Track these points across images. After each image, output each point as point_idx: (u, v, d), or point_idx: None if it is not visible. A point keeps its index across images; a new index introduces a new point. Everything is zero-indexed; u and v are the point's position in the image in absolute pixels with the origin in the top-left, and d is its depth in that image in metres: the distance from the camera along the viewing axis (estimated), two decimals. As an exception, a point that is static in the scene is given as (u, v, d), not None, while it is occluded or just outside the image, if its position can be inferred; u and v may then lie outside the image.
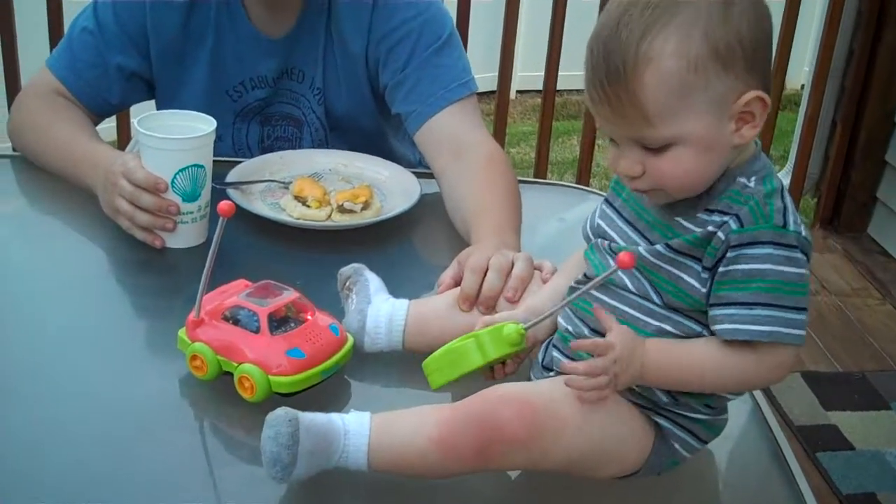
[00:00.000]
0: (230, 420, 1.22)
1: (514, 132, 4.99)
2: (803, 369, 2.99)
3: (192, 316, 1.23)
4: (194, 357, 1.23)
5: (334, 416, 1.07)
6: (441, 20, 1.77)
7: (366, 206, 1.62)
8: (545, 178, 3.47)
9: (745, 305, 1.02)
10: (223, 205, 1.16)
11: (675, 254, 1.06)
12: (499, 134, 3.39)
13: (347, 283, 1.35)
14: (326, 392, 1.22)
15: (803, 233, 1.03)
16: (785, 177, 3.90)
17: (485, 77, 3.66)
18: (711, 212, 1.05)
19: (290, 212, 1.62)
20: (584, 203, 1.86)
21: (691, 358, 1.06)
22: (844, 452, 2.65)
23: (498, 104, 3.34)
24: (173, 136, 1.51)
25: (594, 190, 1.97)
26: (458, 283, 1.32)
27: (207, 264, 1.19)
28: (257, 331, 1.20)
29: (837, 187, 3.83)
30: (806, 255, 1.03)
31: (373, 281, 1.34)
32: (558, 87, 3.32)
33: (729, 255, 1.02)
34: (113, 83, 1.78)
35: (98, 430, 1.18)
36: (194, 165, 1.50)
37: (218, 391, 1.23)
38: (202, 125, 1.55)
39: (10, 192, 1.80)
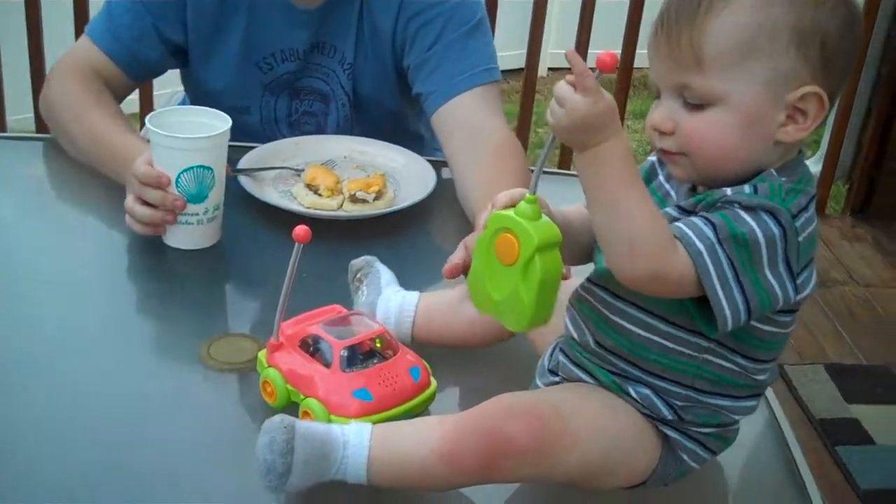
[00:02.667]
0: (234, 423, 1.20)
1: (542, 111, 4.92)
2: (827, 361, 2.95)
3: (272, 339, 1.19)
4: (266, 383, 1.19)
5: (333, 426, 1.05)
6: (472, 6, 1.76)
7: (378, 195, 1.60)
8: (571, 159, 3.43)
9: (709, 223, 0.96)
10: (299, 230, 1.10)
11: (684, 214, 1.01)
12: (526, 112, 3.37)
13: (358, 275, 1.34)
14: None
15: (800, 239, 0.97)
16: (816, 163, 3.84)
17: (515, 54, 3.62)
18: None
19: (302, 200, 1.60)
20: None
21: (634, 190, 0.96)
22: (865, 447, 2.61)
23: (525, 81, 3.32)
24: (176, 135, 1.45)
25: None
26: (466, 266, 1.30)
27: (284, 289, 1.14)
28: (329, 365, 1.15)
29: (869, 175, 3.77)
30: (790, 270, 0.97)
31: (384, 273, 1.33)
32: (590, 66, 3.27)
33: (735, 207, 0.96)
34: (151, 45, 1.76)
35: (96, 431, 1.17)
36: (200, 167, 1.45)
37: (237, 392, 1.22)
38: (218, 123, 1.49)
39: (36, 177, 1.79)
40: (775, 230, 0.96)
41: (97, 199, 1.64)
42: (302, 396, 1.15)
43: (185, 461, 1.14)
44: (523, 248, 1.01)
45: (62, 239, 1.60)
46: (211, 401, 1.24)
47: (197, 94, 1.88)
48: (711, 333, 1.00)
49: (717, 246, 0.95)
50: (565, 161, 3.36)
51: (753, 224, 0.96)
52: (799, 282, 0.99)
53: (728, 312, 0.97)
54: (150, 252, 1.52)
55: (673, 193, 1.08)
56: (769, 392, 1.29)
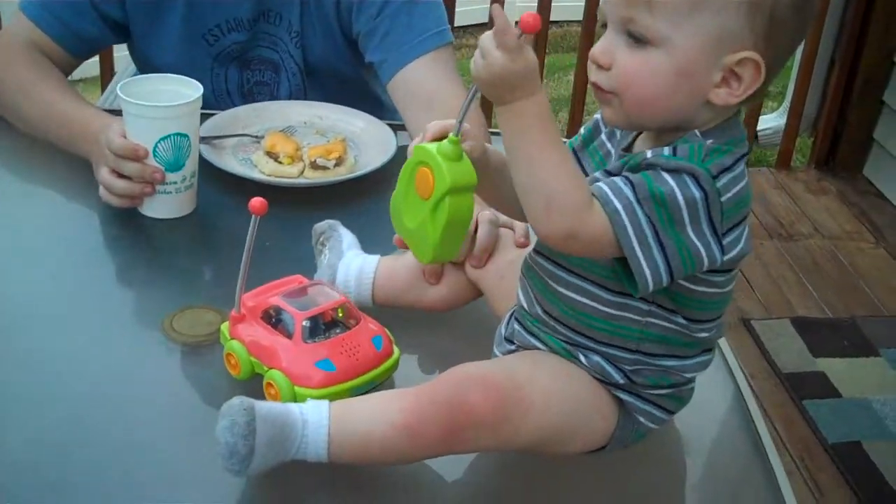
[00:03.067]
0: (196, 396, 1.20)
1: (510, 67, 4.88)
2: (793, 315, 2.97)
3: (234, 311, 1.18)
4: (229, 355, 1.18)
5: (291, 406, 1.04)
6: None
7: (339, 161, 1.59)
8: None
9: (628, 183, 0.96)
10: (255, 202, 1.09)
11: (607, 177, 1.01)
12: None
13: (321, 239, 1.34)
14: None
15: (724, 199, 0.96)
16: (781, 115, 3.85)
17: (481, 8, 3.60)
18: None
19: (262, 168, 1.59)
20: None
21: (551, 148, 0.97)
22: (831, 400, 2.64)
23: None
24: (154, 104, 1.45)
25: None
26: None
27: (244, 261, 1.13)
28: (291, 336, 1.15)
29: (834, 127, 3.78)
30: (714, 230, 0.97)
31: (346, 237, 1.34)
32: (559, 18, 3.24)
33: (649, 171, 0.97)
34: (89, 22, 1.73)
35: (58, 403, 1.17)
36: (177, 134, 1.44)
37: (199, 365, 1.22)
38: (188, 91, 1.49)
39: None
40: (696, 192, 0.96)
41: (56, 170, 1.63)
42: (266, 368, 1.15)
43: (146, 434, 1.13)
44: (437, 187, 1.03)
45: (26, 211, 1.58)
46: (173, 374, 1.23)
47: (145, 70, 1.85)
48: (634, 292, 1.00)
49: (635, 205, 0.96)
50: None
51: (673, 184, 0.96)
52: (726, 242, 0.99)
53: (648, 273, 0.97)
54: (117, 223, 1.51)
55: (613, 152, 1.09)
56: (725, 349, 1.31)
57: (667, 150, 0.98)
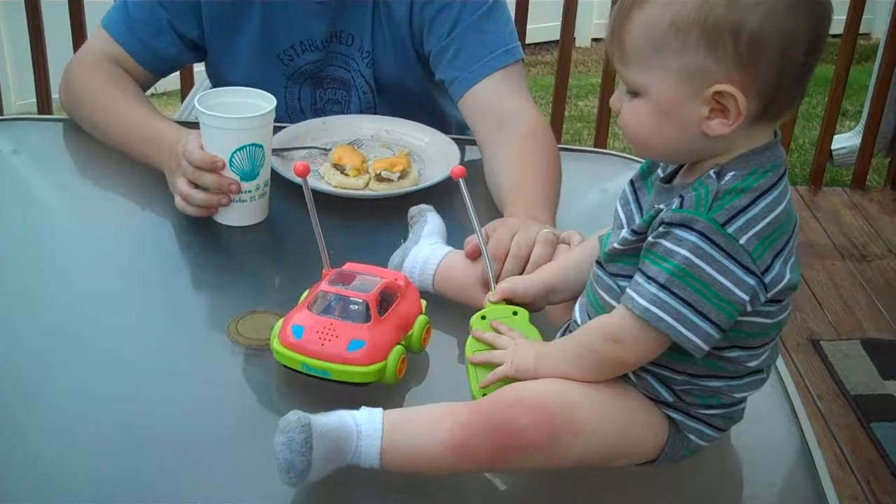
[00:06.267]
0: (268, 399, 1.24)
1: (584, 84, 4.91)
2: (864, 336, 2.93)
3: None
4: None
5: (346, 417, 1.06)
6: None
7: (403, 174, 1.63)
8: (607, 134, 3.44)
9: (648, 279, 1.00)
10: (298, 165, 1.24)
11: (636, 237, 1.04)
12: (560, 87, 3.37)
13: (411, 222, 1.42)
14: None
15: (742, 241, 0.97)
16: (857, 135, 3.80)
17: (555, 25, 3.61)
18: None
19: (329, 180, 1.63)
20: (628, 172, 1.75)
21: (573, 337, 1.09)
22: (900, 423, 2.60)
23: (560, 54, 3.33)
24: (231, 116, 1.50)
25: (638, 159, 1.92)
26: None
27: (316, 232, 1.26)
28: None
29: (912, 147, 3.73)
30: (749, 271, 0.98)
31: (430, 224, 1.41)
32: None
33: (661, 229, 1.00)
34: (168, 42, 1.79)
35: (139, 404, 1.21)
36: (252, 145, 1.49)
37: (260, 368, 1.25)
38: (262, 103, 1.54)
39: (61, 158, 1.82)
40: (700, 243, 0.98)
41: (132, 178, 1.68)
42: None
43: (206, 432, 1.18)
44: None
45: (102, 217, 1.64)
46: (235, 375, 1.26)
47: (220, 86, 1.89)
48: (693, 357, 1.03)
49: (661, 294, 0.99)
50: (601, 140, 3.39)
51: (677, 249, 0.98)
52: (768, 280, 1.00)
53: (699, 341, 1.00)
54: (190, 229, 1.55)
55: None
56: (783, 369, 1.30)
57: (676, 203, 1.00)
